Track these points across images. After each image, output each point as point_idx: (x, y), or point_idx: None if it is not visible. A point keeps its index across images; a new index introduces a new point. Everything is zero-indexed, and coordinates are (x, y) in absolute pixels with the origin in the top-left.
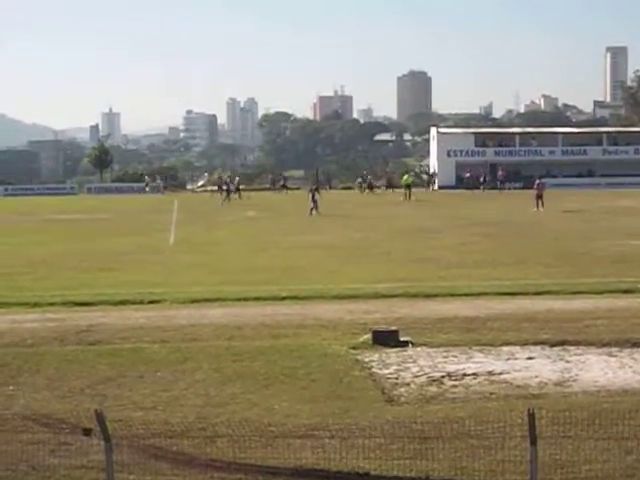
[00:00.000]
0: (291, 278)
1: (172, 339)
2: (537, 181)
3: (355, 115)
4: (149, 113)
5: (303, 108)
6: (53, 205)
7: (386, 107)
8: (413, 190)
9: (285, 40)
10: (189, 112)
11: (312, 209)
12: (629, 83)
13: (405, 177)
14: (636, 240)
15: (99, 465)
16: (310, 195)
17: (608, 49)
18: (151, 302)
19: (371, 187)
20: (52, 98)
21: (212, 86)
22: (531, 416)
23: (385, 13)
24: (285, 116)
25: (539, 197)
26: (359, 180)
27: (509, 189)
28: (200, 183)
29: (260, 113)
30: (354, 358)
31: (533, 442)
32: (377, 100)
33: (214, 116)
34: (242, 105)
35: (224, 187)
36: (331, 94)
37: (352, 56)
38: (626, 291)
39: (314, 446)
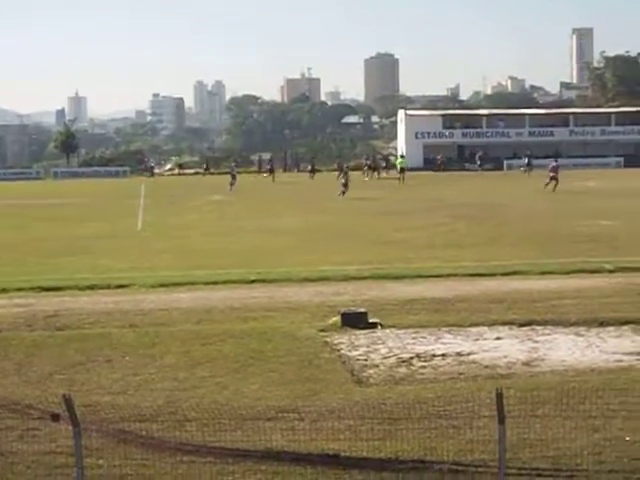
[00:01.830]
0: (260, 261)
1: (141, 323)
2: (553, 164)
3: (323, 97)
4: (116, 97)
5: (271, 91)
6: (19, 190)
7: (354, 89)
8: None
9: (251, 23)
10: (156, 95)
11: (343, 192)
12: (595, 64)
13: (400, 161)
14: (603, 220)
15: (68, 450)
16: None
17: (574, 30)
18: (119, 287)
19: (375, 169)
20: (17, 82)
21: (179, 69)
22: (499, 396)
23: None
24: (253, 99)
25: (553, 178)
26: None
27: (485, 170)
28: (168, 167)
29: (228, 96)
30: (323, 340)
31: (501, 421)
32: (345, 82)
33: (181, 99)
34: (209, 88)
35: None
36: (298, 77)
37: (319, 38)
38: (593, 271)
39: (284, 428)
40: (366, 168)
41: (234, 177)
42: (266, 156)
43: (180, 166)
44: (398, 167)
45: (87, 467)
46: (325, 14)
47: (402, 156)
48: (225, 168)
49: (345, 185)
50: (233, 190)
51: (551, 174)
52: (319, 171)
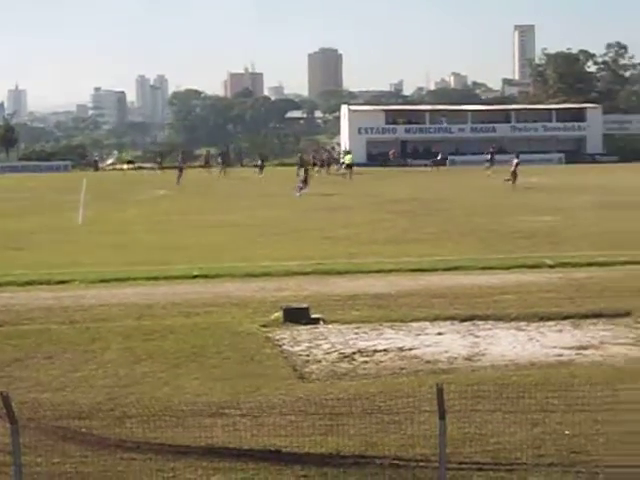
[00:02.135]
0: (202, 256)
1: (81, 319)
2: (515, 160)
3: (266, 92)
4: (57, 91)
5: (214, 86)
6: None
7: (297, 84)
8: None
9: (194, 16)
10: (97, 89)
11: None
12: (537, 61)
13: (347, 157)
14: (543, 216)
15: (5, 448)
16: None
17: (516, 27)
18: (60, 282)
19: (328, 165)
20: None
21: (121, 63)
22: (440, 391)
23: None
24: (196, 93)
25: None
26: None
27: (426, 166)
28: (109, 161)
29: (170, 90)
30: (265, 336)
31: (442, 416)
32: (288, 77)
33: (123, 93)
34: (152, 82)
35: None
36: (242, 71)
37: (262, 33)
38: (534, 266)
39: (225, 424)
40: (319, 164)
41: (181, 171)
42: (213, 151)
43: (130, 162)
44: (345, 163)
45: (25, 465)
46: (268, 8)
47: (349, 152)
48: (168, 163)
49: (304, 181)
50: (180, 184)
51: (512, 170)
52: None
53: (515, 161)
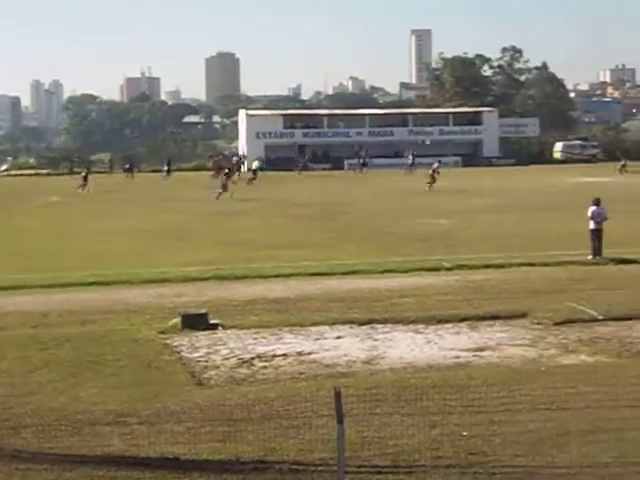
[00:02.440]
0: (99, 263)
1: None
2: (435, 164)
3: (163, 97)
4: None
5: (110, 90)
6: None
7: (194, 89)
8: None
9: (90, 20)
10: None
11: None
12: (434, 65)
13: (255, 163)
14: (441, 219)
15: None
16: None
17: (413, 32)
18: None
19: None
20: None
21: (15, 68)
22: (337, 395)
23: None
24: (91, 98)
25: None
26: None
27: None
28: (3, 167)
29: (66, 95)
30: (163, 342)
31: (340, 420)
32: (185, 82)
33: (17, 98)
34: (47, 87)
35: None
36: (138, 76)
37: (159, 37)
38: (431, 269)
39: (123, 432)
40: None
41: (86, 178)
42: (109, 156)
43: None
44: (253, 168)
45: None
46: (165, 12)
47: (259, 160)
48: (64, 169)
49: (224, 186)
50: (85, 190)
51: (431, 173)
52: (159, 171)
53: (435, 165)
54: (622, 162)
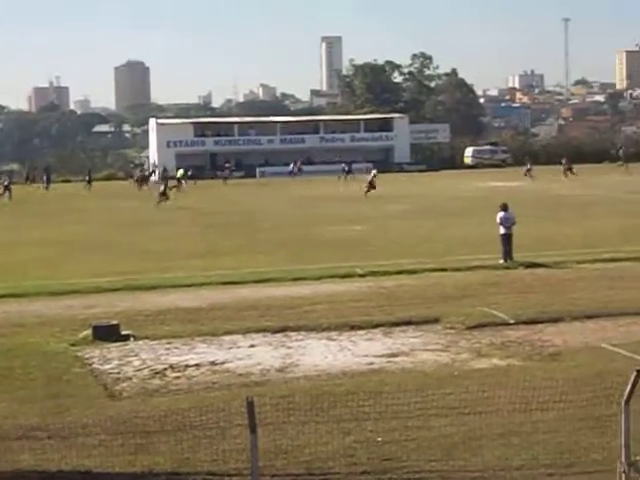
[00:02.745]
0: (8, 275)
1: None
2: (373, 172)
3: (72, 106)
4: None
5: (18, 100)
6: None
7: (104, 98)
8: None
9: None
10: None
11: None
12: (344, 72)
13: (180, 171)
14: (354, 225)
15: None
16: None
17: (323, 39)
18: None
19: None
20: None
21: None
22: (250, 404)
23: (100, 2)
24: None
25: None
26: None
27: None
28: None
29: None
30: (74, 355)
31: (253, 430)
32: (95, 91)
33: None
34: None
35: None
36: (46, 85)
37: (67, 46)
38: (344, 276)
39: (33, 447)
40: (137, 178)
41: (7, 189)
42: (16, 167)
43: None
44: (177, 176)
45: None
46: (73, 20)
47: (184, 168)
48: None
49: (163, 194)
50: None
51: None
52: (69, 181)
53: (373, 172)
54: (527, 166)
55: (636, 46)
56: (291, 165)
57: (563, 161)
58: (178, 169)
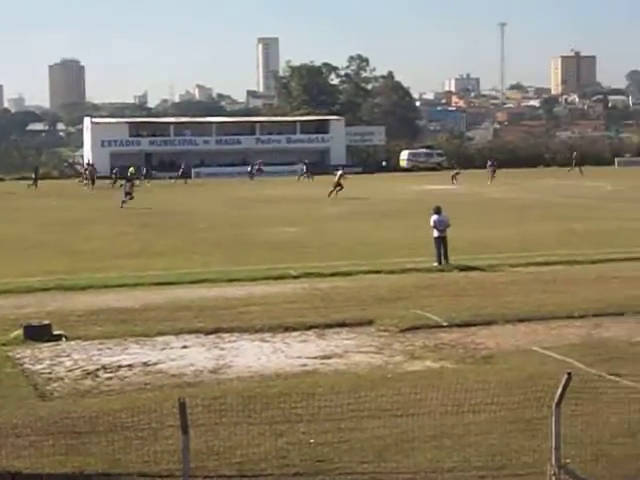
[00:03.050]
0: None
1: None
2: (339, 171)
3: (6, 104)
4: None
5: None
6: None
7: (39, 96)
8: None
9: None
10: None
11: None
12: (281, 73)
13: (131, 169)
14: (290, 227)
15: None
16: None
17: (260, 40)
18: None
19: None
20: None
21: None
22: (182, 405)
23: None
24: None
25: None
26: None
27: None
28: None
29: None
30: (5, 355)
31: (185, 431)
32: (29, 89)
33: None
34: None
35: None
36: None
37: (0, 44)
38: (279, 277)
39: None
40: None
41: None
42: None
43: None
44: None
45: None
46: (6, 17)
47: (135, 166)
48: None
49: (129, 193)
50: None
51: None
52: (2, 180)
53: (339, 172)
54: (455, 171)
55: (571, 51)
56: (249, 167)
57: (489, 164)
58: (129, 167)
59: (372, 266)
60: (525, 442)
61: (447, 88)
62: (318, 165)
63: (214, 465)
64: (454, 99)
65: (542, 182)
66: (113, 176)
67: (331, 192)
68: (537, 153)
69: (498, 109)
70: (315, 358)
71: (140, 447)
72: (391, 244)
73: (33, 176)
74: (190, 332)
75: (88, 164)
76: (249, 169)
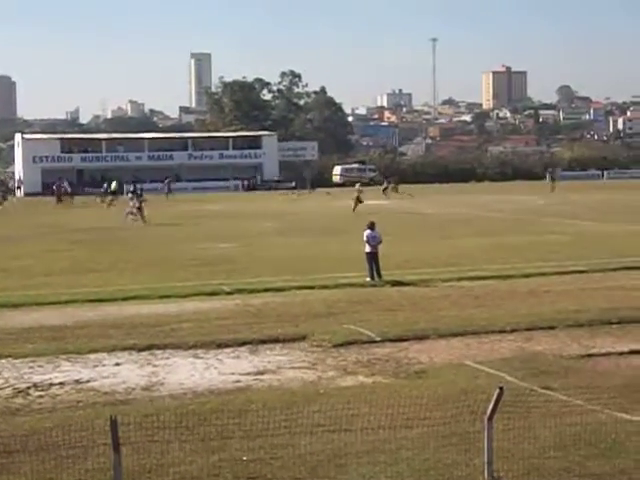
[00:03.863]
0: None
1: None
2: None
3: None
4: None
5: None
6: None
7: None
8: None
9: None
10: None
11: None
12: (213, 89)
13: (113, 184)
14: (222, 243)
15: None
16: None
17: (193, 55)
18: None
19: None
20: None
21: None
22: (113, 423)
23: None
24: None
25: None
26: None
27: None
28: None
29: None
30: None
31: (116, 449)
32: None
33: None
34: None
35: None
36: None
37: None
38: (211, 293)
39: None
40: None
41: None
42: None
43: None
44: (112, 189)
45: None
46: None
47: (113, 181)
48: None
49: (139, 208)
50: None
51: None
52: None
53: (357, 186)
54: (384, 185)
55: (502, 67)
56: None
57: (386, 181)
58: (112, 182)
59: (305, 281)
60: (458, 456)
61: (379, 103)
62: (252, 181)
63: None
64: (386, 114)
65: (472, 197)
66: (102, 192)
67: (355, 206)
68: (469, 168)
69: (430, 124)
70: (248, 374)
71: (72, 465)
72: (324, 259)
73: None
74: (123, 349)
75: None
76: (163, 186)
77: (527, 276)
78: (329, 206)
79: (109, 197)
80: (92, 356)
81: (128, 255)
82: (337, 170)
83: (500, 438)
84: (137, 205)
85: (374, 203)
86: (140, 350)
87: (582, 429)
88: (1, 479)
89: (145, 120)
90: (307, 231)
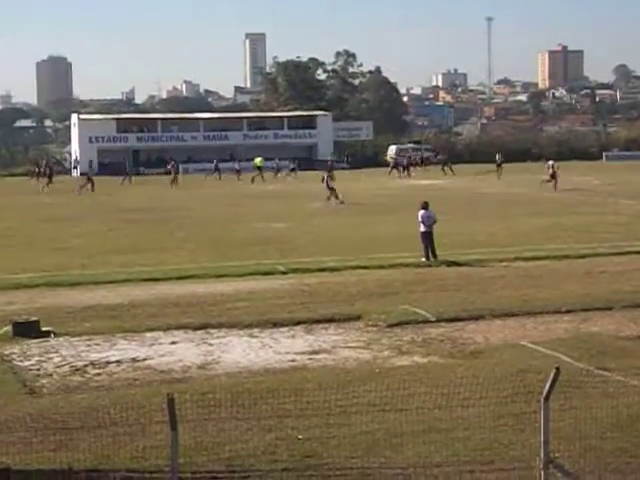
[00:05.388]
0: None
1: None
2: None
3: None
4: None
5: None
6: None
7: (26, 93)
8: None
9: None
10: None
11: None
12: (268, 69)
13: (258, 160)
14: (277, 223)
15: None
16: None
17: (247, 35)
18: None
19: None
20: None
21: None
22: (170, 401)
23: None
24: None
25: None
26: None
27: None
28: None
29: None
30: None
31: (173, 427)
32: (16, 86)
33: None
34: None
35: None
36: None
37: None
38: (266, 273)
39: None
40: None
41: None
42: None
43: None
44: (255, 166)
45: None
46: None
47: (259, 156)
48: None
49: (332, 189)
50: None
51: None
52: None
53: (550, 162)
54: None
55: (558, 46)
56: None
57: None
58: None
59: (360, 261)
60: (514, 436)
61: (434, 83)
62: (306, 161)
63: (202, 461)
64: (441, 94)
65: (530, 177)
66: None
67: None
68: (525, 148)
69: (485, 104)
70: (303, 353)
71: (128, 443)
72: (379, 239)
73: (48, 173)
74: (178, 328)
75: (47, 162)
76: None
77: (583, 257)
78: (381, 186)
79: (255, 173)
80: (148, 334)
81: (184, 234)
82: (392, 150)
83: (556, 418)
84: (330, 185)
85: (432, 183)
86: (196, 329)
87: (639, 410)
88: (59, 455)
89: (200, 100)
90: (360, 210)
